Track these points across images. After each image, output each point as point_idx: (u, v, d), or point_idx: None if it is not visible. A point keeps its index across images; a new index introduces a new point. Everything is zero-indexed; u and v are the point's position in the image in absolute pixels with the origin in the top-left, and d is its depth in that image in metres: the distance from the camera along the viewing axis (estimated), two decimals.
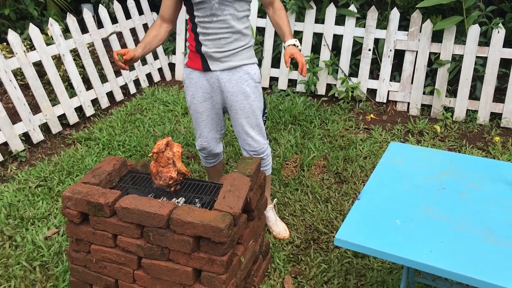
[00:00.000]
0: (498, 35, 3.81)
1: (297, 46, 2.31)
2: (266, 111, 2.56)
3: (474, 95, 4.10)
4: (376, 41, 4.33)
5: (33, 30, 3.73)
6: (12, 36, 3.57)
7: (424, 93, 4.17)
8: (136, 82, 4.77)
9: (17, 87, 3.59)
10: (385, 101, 4.30)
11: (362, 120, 4.09)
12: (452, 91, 4.16)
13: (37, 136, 3.72)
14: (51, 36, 3.99)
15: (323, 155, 3.52)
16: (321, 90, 4.47)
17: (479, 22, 4.01)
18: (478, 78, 4.08)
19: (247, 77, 2.37)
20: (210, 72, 2.37)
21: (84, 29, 4.25)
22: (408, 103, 4.24)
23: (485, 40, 4.00)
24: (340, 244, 1.61)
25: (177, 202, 2.16)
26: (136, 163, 2.42)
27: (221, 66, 2.34)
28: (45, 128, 3.88)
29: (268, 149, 2.56)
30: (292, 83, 4.65)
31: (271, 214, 2.78)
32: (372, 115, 4.15)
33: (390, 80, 4.31)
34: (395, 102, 4.31)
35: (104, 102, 4.33)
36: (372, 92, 4.41)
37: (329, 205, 2.96)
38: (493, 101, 3.98)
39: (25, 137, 3.72)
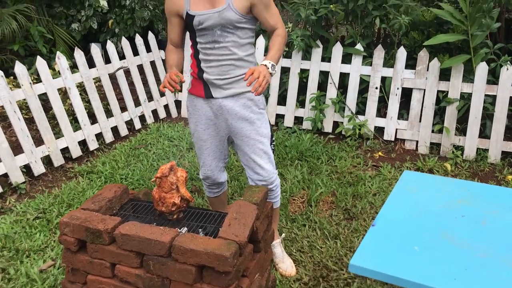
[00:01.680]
0: (507, 72, 3.78)
1: (268, 68, 2.12)
2: (273, 139, 2.48)
3: (484, 133, 4.02)
4: (383, 79, 4.31)
5: (40, 63, 3.73)
6: (19, 68, 3.57)
7: (433, 131, 4.10)
8: (142, 118, 4.74)
9: (21, 118, 3.55)
10: (393, 139, 4.23)
11: (370, 157, 4.01)
12: (461, 130, 4.10)
13: (39, 168, 3.64)
14: (58, 71, 3.99)
15: (331, 191, 3.41)
16: (328, 127, 4.42)
17: (487, 60, 3.99)
18: (487, 116, 4.02)
19: (250, 103, 2.31)
20: (212, 99, 2.31)
21: (92, 66, 4.25)
22: (417, 142, 4.16)
23: (493, 78, 3.96)
24: (355, 270, 1.49)
25: (180, 231, 2.05)
26: (138, 192, 2.33)
27: (224, 93, 2.29)
28: (47, 161, 3.81)
29: (277, 180, 2.46)
30: (298, 120, 4.60)
31: (278, 250, 2.65)
32: (380, 153, 4.07)
33: (398, 118, 4.25)
34: (403, 140, 4.24)
35: (109, 137, 4.28)
36: (379, 130, 4.35)
37: (338, 242, 2.83)
38: (504, 140, 3.89)
39: (26, 169, 3.64)
